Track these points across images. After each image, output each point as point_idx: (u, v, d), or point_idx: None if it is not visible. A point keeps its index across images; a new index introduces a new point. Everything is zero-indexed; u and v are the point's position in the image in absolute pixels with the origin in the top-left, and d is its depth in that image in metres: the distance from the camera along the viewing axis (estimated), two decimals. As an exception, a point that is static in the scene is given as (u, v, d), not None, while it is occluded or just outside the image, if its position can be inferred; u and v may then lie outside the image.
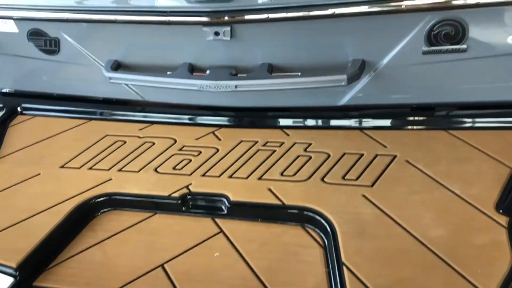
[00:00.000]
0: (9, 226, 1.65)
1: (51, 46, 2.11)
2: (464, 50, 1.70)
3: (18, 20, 2.04)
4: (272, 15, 1.72)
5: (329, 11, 1.67)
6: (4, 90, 2.39)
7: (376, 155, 1.75)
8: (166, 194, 1.72)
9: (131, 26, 1.91)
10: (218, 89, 1.87)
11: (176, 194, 1.71)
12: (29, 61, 2.21)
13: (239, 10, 1.74)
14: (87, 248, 1.60)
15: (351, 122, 1.93)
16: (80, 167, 1.91)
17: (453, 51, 1.71)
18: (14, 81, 2.35)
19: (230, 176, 1.76)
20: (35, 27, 2.06)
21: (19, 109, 2.30)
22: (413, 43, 1.73)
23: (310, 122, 1.99)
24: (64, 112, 2.25)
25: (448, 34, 1.68)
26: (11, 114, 2.28)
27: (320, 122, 1.98)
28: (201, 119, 2.10)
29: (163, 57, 2.01)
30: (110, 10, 1.87)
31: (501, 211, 1.46)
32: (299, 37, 1.83)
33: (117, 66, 2.05)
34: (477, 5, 1.57)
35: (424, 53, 1.74)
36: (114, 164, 1.90)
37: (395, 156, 1.74)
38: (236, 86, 1.86)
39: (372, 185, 1.63)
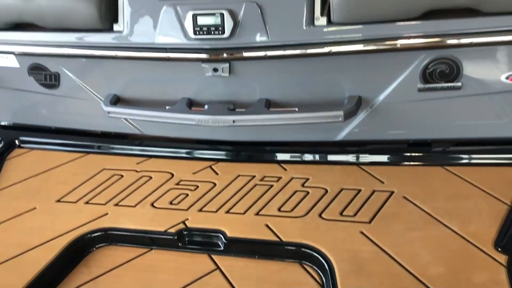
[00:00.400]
0: (2, 262, 1.63)
1: (51, 80, 2.13)
2: (459, 88, 1.73)
3: (19, 55, 2.07)
4: (270, 53, 1.75)
5: (326, 50, 1.70)
6: (2, 123, 2.40)
7: (374, 191, 1.75)
8: (162, 229, 1.70)
9: (131, 61, 1.94)
10: (216, 123, 1.88)
11: (173, 230, 1.70)
12: (28, 95, 2.23)
13: (238, 48, 1.77)
14: (81, 285, 1.57)
15: (349, 157, 1.94)
16: (76, 201, 1.90)
17: (448, 88, 1.74)
18: (13, 114, 2.37)
19: (227, 212, 1.75)
20: (36, 62, 2.09)
21: (17, 142, 2.31)
22: (408, 81, 1.75)
23: (308, 157, 2.00)
24: (62, 145, 2.26)
25: (443, 72, 1.70)
26: (9, 147, 2.28)
27: (317, 157, 1.99)
28: (198, 153, 2.11)
29: (162, 92, 2.03)
30: (110, 46, 1.90)
31: (499, 249, 1.45)
32: (296, 73, 1.85)
33: (116, 101, 2.07)
34: (470, 45, 1.60)
35: (420, 90, 1.76)
36: (110, 199, 1.89)
37: (392, 192, 1.74)
38: (234, 121, 1.87)
39: (370, 222, 1.62)
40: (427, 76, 1.72)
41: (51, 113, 2.28)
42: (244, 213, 1.74)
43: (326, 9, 1.70)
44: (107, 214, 1.80)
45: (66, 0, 1.87)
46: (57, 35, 1.96)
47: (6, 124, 2.40)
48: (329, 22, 1.70)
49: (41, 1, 1.90)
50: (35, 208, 1.88)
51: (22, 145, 2.30)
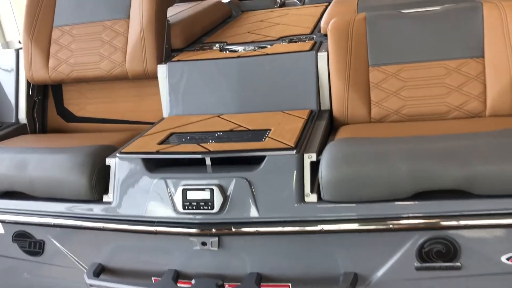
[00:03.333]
0: None
1: (35, 248, 2.06)
2: (458, 268, 1.64)
3: (5, 223, 2.02)
4: (261, 229, 1.71)
5: (318, 228, 1.65)
6: (-22, 290, 2.28)
7: None
8: None
9: (118, 232, 1.89)
10: (204, 304, 1.76)
11: None
12: (9, 261, 2.14)
13: (227, 223, 1.73)
14: None
15: None
16: None
17: (446, 268, 1.65)
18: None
19: None
20: (21, 229, 2.04)
21: (-10, 312, 2.16)
22: (404, 259, 1.68)
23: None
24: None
25: (439, 251, 1.63)
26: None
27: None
28: (184, 331, 1.94)
29: (148, 262, 1.94)
30: (98, 218, 1.86)
31: None
32: (288, 248, 1.78)
33: (101, 270, 1.97)
34: (465, 227, 1.56)
35: (417, 269, 1.68)
36: None
37: None
38: (222, 300, 1.75)
39: None
40: (424, 255, 1.65)
41: (31, 280, 2.17)
42: None
43: (316, 187, 1.70)
44: None
45: (57, 171, 1.89)
46: (45, 205, 1.94)
47: (-18, 290, 2.27)
48: (320, 199, 1.68)
49: (32, 172, 1.92)
50: None
51: (-4, 316, 2.14)
